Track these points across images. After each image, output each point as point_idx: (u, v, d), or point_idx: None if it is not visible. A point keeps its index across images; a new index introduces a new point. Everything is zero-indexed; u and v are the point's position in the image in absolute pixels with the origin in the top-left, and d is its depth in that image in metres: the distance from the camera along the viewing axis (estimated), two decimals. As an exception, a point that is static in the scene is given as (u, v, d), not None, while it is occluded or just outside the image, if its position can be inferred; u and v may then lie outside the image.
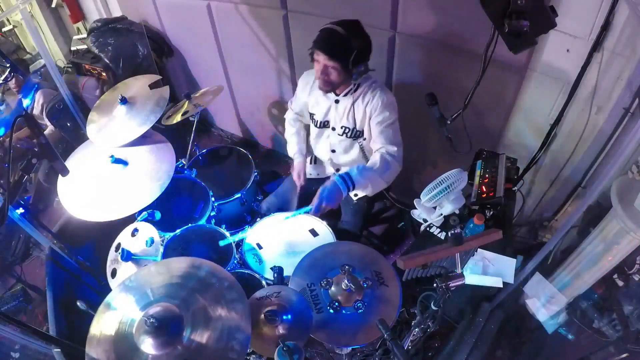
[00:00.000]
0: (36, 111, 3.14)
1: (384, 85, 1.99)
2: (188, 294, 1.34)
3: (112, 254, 1.89)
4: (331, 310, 1.52)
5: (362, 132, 2.04)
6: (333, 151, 2.18)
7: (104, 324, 1.31)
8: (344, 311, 1.52)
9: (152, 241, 1.81)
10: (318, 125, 2.12)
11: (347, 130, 2.05)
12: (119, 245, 1.88)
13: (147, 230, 1.86)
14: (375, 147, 1.97)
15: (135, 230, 1.87)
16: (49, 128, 3.12)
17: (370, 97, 1.93)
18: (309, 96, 2.10)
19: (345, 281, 1.52)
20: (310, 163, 2.41)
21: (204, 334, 1.25)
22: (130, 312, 1.31)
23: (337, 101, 2.00)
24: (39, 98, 3.11)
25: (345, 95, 1.97)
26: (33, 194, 3.32)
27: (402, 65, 2.26)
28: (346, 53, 1.76)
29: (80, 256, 2.35)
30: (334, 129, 2.09)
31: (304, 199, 2.39)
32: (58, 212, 2.74)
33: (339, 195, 1.76)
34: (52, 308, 2.09)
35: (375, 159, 1.90)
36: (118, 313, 1.32)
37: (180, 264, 1.45)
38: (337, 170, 2.28)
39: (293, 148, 2.26)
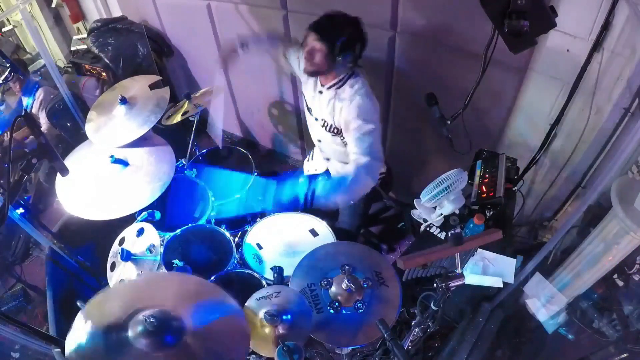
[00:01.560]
0: (34, 109, 3.14)
1: (369, 90, 1.90)
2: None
3: (115, 246, 1.90)
4: (331, 310, 1.52)
5: (341, 131, 2.00)
6: (319, 141, 2.16)
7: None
8: (344, 311, 1.52)
9: (154, 247, 1.81)
10: (307, 109, 2.12)
11: (326, 124, 2.02)
12: (123, 239, 1.89)
13: (151, 236, 1.85)
14: (351, 156, 1.88)
15: (141, 230, 1.87)
16: (45, 127, 3.11)
17: (348, 102, 1.86)
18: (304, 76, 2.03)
19: (346, 281, 1.52)
20: (308, 160, 2.42)
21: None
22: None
23: (320, 92, 1.98)
24: (39, 95, 3.11)
25: (330, 88, 1.93)
26: (33, 194, 3.33)
27: (402, 65, 2.26)
28: (335, 37, 1.74)
29: (80, 256, 2.35)
30: (316, 119, 2.07)
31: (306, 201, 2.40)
32: (58, 212, 2.74)
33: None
34: (52, 308, 2.09)
35: (348, 170, 1.84)
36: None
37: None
38: (328, 159, 2.27)
39: None
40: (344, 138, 2.00)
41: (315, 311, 1.51)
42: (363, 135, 1.82)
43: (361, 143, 1.82)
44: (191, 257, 2.03)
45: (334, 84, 1.91)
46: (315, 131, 2.14)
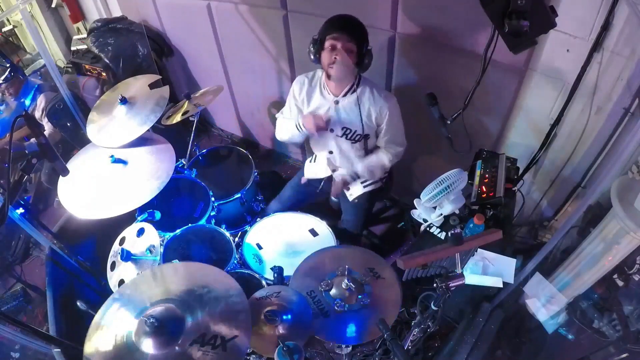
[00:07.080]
0: (37, 115, 3.13)
1: (382, 87, 2.00)
2: (188, 295, 1.34)
3: (115, 246, 1.90)
4: (337, 308, 1.50)
5: (367, 136, 2.04)
6: (330, 152, 2.17)
7: (98, 343, 1.28)
8: (347, 307, 1.51)
9: (154, 247, 1.81)
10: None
11: (348, 131, 2.04)
12: (123, 239, 1.89)
13: (151, 236, 1.85)
14: (385, 145, 2.10)
15: (141, 230, 1.87)
16: (48, 131, 3.11)
17: (381, 104, 1.94)
18: (306, 99, 2.05)
19: (346, 281, 1.51)
20: (310, 162, 2.41)
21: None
22: (126, 326, 1.30)
23: (336, 102, 1.99)
24: (41, 101, 3.11)
25: (345, 95, 1.96)
26: (33, 194, 3.33)
27: (402, 65, 2.26)
28: (363, 36, 1.81)
29: (80, 255, 2.35)
30: (332, 130, 2.07)
31: (304, 201, 2.40)
32: (58, 212, 2.74)
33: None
34: (52, 308, 2.09)
35: (382, 157, 2.10)
36: (112, 330, 1.30)
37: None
38: (334, 170, 2.27)
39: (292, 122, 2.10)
40: (367, 142, 2.07)
41: (322, 316, 1.49)
42: (394, 129, 2.04)
43: (394, 136, 2.07)
44: (191, 257, 2.03)
45: (348, 90, 1.95)
46: (329, 144, 2.15)
